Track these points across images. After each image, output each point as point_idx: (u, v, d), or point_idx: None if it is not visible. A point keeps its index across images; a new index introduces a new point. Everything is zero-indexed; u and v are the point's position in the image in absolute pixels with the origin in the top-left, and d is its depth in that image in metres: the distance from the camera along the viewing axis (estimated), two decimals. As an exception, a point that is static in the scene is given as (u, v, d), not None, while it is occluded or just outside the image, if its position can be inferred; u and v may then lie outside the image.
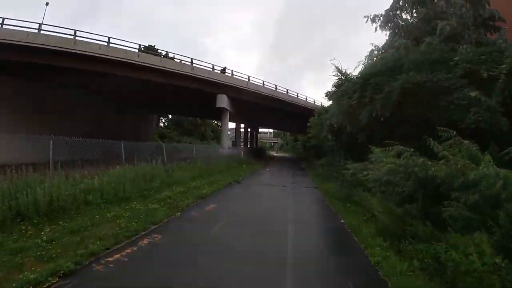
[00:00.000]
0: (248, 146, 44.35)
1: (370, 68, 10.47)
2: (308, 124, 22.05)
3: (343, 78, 10.98)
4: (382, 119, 7.76)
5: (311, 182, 15.22)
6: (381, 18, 13.17)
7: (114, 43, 18.30)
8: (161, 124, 49.99)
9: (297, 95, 32.99)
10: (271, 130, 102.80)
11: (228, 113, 26.09)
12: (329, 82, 66.41)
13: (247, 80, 26.74)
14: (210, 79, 23.04)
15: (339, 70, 10.93)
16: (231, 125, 44.76)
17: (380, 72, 8.61)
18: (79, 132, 11.72)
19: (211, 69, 23.59)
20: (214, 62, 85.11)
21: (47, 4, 19.63)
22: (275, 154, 57.16)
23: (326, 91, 16.30)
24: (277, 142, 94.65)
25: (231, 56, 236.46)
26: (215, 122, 63.66)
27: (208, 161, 17.15)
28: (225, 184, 12.86)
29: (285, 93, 31.29)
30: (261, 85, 28.54)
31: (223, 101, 24.61)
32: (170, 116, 51.28)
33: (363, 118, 8.34)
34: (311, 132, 21.56)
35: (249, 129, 47.01)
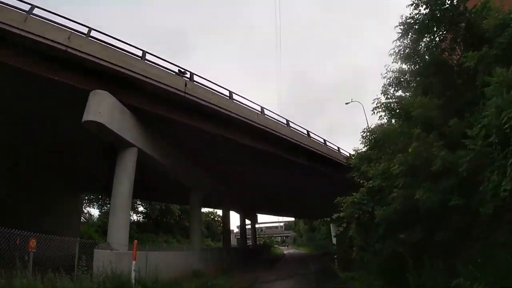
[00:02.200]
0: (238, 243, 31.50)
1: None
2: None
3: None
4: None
5: None
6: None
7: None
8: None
9: (339, 150, 22.18)
10: (281, 223, 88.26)
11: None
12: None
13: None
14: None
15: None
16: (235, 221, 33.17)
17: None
18: None
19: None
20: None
21: None
22: (285, 252, 42.62)
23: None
24: (289, 236, 78.98)
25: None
26: (212, 215, 51.90)
27: None
28: None
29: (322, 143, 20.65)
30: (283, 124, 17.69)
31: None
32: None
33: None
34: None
35: (247, 221, 34.77)
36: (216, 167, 19.00)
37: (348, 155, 21.20)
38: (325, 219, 43.97)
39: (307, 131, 19.45)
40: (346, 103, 21.90)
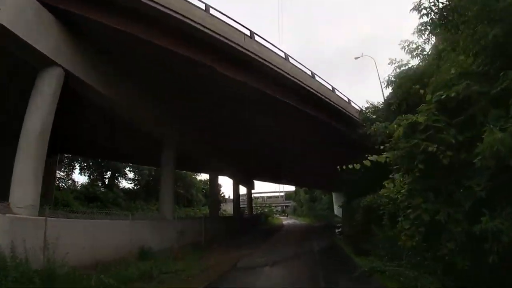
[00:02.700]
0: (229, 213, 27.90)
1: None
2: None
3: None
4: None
5: None
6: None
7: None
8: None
9: (349, 101, 17.31)
10: (282, 193, 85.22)
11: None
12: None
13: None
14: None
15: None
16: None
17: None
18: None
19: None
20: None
21: None
22: (284, 222, 39.37)
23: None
24: (289, 206, 76.33)
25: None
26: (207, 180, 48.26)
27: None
28: None
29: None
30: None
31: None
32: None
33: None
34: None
35: (241, 188, 30.98)
36: (199, 117, 14.57)
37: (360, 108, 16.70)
38: (328, 189, 40.35)
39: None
40: (356, 58, 19.43)
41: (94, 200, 23.73)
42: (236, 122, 15.30)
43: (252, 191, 34.02)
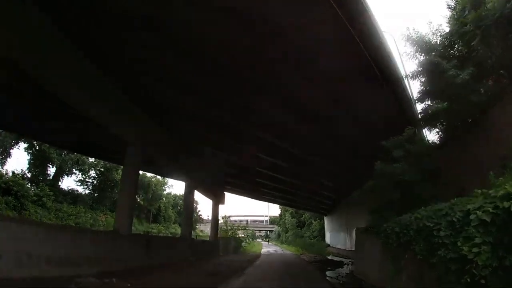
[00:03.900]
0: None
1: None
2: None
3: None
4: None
5: None
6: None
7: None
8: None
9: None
10: (266, 217, 78.42)
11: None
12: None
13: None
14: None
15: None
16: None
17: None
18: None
19: None
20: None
21: None
22: (264, 250, 32.25)
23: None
24: (273, 230, 69.40)
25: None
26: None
27: None
28: None
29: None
30: None
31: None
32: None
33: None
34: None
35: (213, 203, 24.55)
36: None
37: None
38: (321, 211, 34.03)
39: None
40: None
41: (6, 193, 17.13)
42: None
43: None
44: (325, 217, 35.35)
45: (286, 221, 47.78)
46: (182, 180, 19.44)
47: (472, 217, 3.76)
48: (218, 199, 23.84)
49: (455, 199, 4.77)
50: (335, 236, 29.40)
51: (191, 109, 11.99)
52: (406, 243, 5.81)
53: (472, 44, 6.49)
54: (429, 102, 8.27)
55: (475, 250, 3.59)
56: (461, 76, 6.38)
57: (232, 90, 9.93)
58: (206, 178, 18.45)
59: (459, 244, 3.86)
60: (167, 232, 34.02)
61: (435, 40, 7.80)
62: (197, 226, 37.29)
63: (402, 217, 6.29)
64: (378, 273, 8.20)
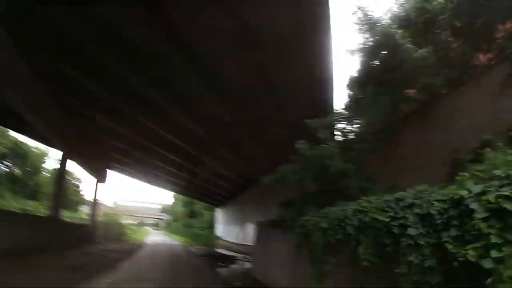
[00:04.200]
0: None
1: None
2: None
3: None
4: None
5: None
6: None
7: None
8: None
9: None
10: (158, 206, 73.34)
11: None
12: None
13: None
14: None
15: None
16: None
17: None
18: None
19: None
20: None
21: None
22: (149, 240, 29.57)
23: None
24: (164, 219, 65.89)
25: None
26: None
27: None
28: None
29: None
30: None
31: None
32: None
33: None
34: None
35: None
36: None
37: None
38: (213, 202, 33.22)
39: None
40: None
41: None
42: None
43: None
44: (217, 209, 34.83)
45: (178, 210, 45.80)
46: (60, 149, 15.64)
47: (473, 205, 2.68)
48: (100, 177, 20.38)
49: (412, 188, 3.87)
50: (227, 229, 29.05)
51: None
52: (339, 242, 4.73)
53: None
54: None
55: (495, 254, 2.40)
56: (420, 52, 5.85)
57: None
58: (85, 146, 15.13)
59: (456, 247, 2.74)
60: (47, 212, 27.37)
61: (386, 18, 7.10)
62: (81, 208, 31.27)
63: (330, 210, 5.29)
64: (291, 277, 7.01)
